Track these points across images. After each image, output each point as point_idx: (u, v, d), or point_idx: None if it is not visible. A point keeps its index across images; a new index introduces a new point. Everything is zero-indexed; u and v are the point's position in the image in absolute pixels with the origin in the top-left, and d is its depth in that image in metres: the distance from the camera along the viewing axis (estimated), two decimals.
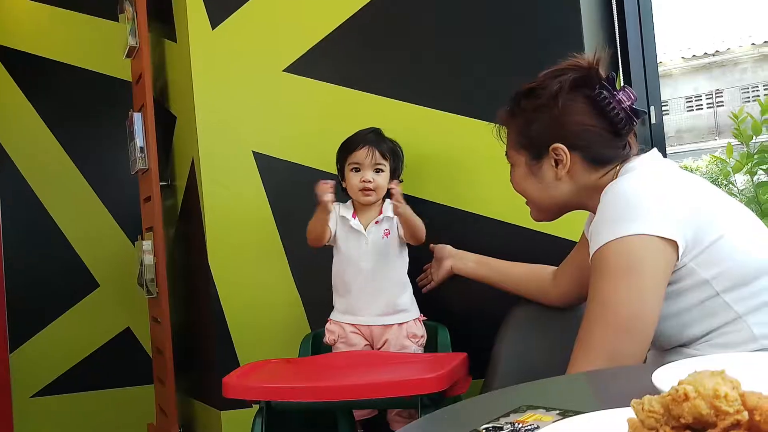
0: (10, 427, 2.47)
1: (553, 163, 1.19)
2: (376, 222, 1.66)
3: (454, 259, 1.68)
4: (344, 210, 1.69)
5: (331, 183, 1.59)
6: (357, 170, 1.65)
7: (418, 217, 1.63)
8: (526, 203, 1.29)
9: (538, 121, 1.19)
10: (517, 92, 1.24)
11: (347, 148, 1.67)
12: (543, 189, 1.22)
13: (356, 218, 1.66)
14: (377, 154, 1.64)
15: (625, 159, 1.18)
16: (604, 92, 1.16)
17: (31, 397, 2.65)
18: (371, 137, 1.66)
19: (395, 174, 1.70)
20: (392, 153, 1.68)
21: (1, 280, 2.63)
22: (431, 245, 1.75)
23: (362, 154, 1.64)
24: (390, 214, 1.66)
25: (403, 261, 1.69)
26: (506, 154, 1.28)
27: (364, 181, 1.63)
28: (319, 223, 1.63)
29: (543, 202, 1.24)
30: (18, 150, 2.71)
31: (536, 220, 1.30)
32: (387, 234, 1.66)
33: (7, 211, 2.68)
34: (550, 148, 1.18)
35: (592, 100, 1.17)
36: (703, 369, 0.51)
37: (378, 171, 1.65)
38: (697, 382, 0.49)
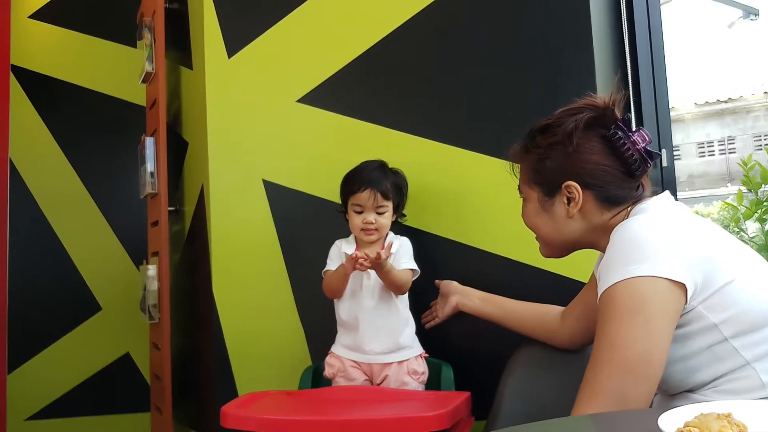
0: None
1: (565, 201, 1.19)
2: None
3: (461, 296, 1.66)
4: (346, 246, 1.68)
5: (362, 260, 1.54)
6: (359, 212, 1.64)
7: (401, 274, 1.60)
8: (536, 239, 1.28)
9: (552, 158, 1.19)
10: (532, 128, 1.24)
11: (350, 187, 1.66)
12: (554, 226, 1.22)
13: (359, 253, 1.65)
14: (379, 196, 1.62)
15: (637, 200, 1.18)
16: (619, 133, 1.16)
17: (26, 420, 2.62)
18: (374, 176, 1.64)
19: (399, 208, 1.69)
20: (395, 189, 1.67)
21: (3, 299, 2.63)
22: (437, 281, 1.73)
23: (364, 197, 1.62)
24: (393, 250, 1.65)
25: (404, 297, 1.66)
26: (519, 189, 1.28)
27: (366, 222, 1.63)
28: (342, 281, 1.62)
29: (553, 238, 1.23)
30: (30, 170, 2.74)
31: (545, 256, 1.29)
32: None
33: (15, 230, 2.70)
34: (563, 185, 1.18)
35: (607, 139, 1.17)
36: (709, 412, 0.49)
37: (380, 213, 1.64)
38: (702, 425, 0.47)
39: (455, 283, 1.69)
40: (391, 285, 1.61)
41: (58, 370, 2.65)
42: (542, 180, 1.21)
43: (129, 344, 2.70)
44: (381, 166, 1.68)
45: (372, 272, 1.62)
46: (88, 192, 2.75)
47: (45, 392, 2.64)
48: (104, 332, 2.70)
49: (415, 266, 1.65)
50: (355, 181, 1.65)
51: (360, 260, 1.53)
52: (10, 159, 2.71)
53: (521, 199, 1.28)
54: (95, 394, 2.66)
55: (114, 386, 2.67)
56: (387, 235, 1.68)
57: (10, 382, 2.61)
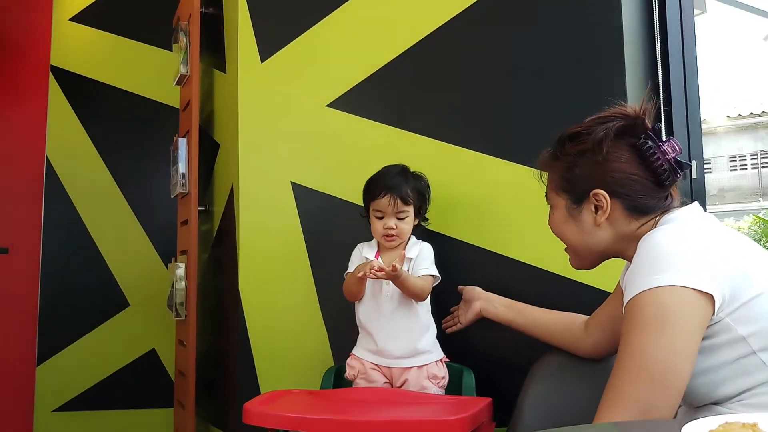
0: None
1: (593, 209, 1.18)
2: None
3: (484, 302, 1.66)
4: (368, 250, 1.69)
5: (379, 269, 1.54)
6: (380, 217, 1.65)
7: (417, 281, 1.61)
8: (565, 250, 1.27)
9: (580, 166, 1.19)
10: (561, 135, 1.24)
11: (371, 193, 1.67)
12: (581, 234, 1.21)
13: (380, 258, 1.66)
14: (399, 202, 1.63)
15: (665, 210, 1.17)
16: (649, 142, 1.16)
17: (53, 411, 2.67)
18: (395, 182, 1.64)
19: (421, 212, 1.70)
20: (416, 194, 1.67)
21: (35, 293, 2.70)
22: (460, 287, 1.73)
23: (384, 203, 1.63)
24: (413, 255, 1.65)
25: (425, 301, 1.67)
26: (546, 196, 1.28)
27: (386, 228, 1.64)
28: (358, 284, 1.63)
29: (580, 247, 1.23)
30: (65, 167, 2.81)
31: (576, 268, 1.28)
32: None
33: (48, 225, 2.77)
34: (591, 193, 1.18)
35: (637, 149, 1.16)
36: (734, 420, 0.49)
37: (401, 218, 1.65)
38: None
39: (478, 289, 1.69)
40: (408, 292, 1.61)
41: (85, 363, 2.70)
42: (570, 187, 1.21)
43: (155, 340, 2.74)
44: (402, 170, 1.68)
45: None
46: (121, 190, 2.81)
47: (72, 385, 2.70)
48: (131, 328, 2.75)
49: (435, 272, 1.65)
50: (376, 186, 1.66)
51: (373, 272, 1.54)
52: (47, 156, 2.79)
53: (548, 206, 1.28)
54: (121, 388, 2.71)
55: (139, 381, 2.72)
56: (409, 239, 1.69)
57: (39, 373, 2.67)
